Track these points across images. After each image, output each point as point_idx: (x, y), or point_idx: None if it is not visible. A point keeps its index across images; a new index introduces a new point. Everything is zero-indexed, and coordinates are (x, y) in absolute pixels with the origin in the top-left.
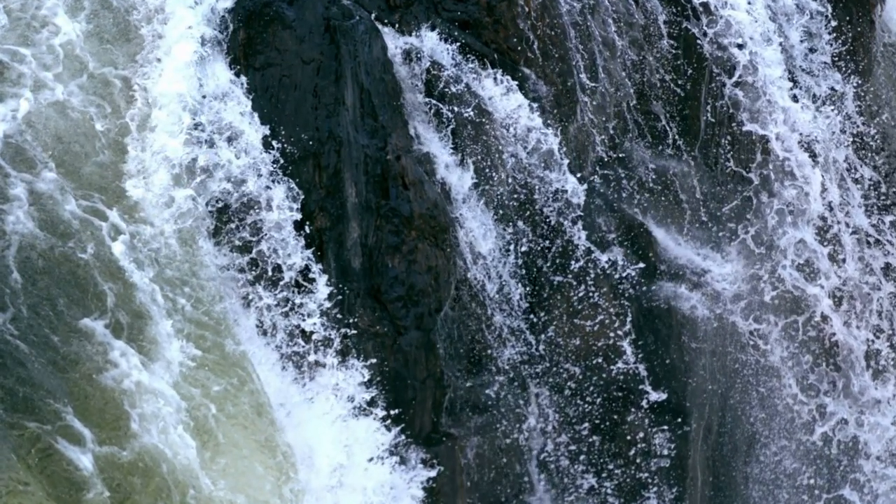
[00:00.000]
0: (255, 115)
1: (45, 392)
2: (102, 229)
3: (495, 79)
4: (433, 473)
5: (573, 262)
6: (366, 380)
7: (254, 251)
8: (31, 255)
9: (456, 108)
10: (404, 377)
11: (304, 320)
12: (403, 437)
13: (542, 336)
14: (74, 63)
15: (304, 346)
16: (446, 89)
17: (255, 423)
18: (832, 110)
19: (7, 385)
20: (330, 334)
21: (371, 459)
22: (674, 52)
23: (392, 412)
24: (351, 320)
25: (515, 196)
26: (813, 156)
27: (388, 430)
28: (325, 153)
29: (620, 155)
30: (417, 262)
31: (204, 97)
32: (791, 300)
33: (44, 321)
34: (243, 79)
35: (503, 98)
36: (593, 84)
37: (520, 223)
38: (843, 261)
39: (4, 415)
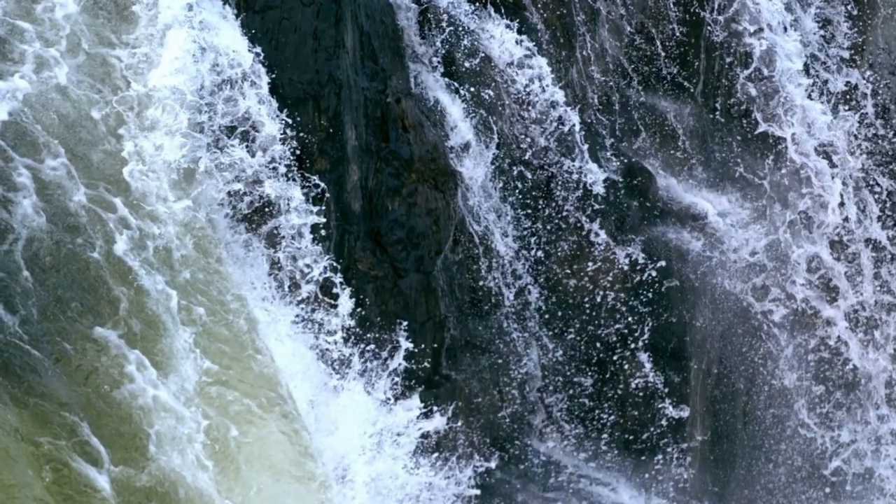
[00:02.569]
0: (274, 99)
1: (59, 404)
2: (110, 223)
3: (517, 41)
4: (493, 464)
5: (590, 264)
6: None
7: (271, 259)
8: (40, 251)
9: (472, 89)
10: (404, 320)
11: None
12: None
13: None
14: (73, 40)
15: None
16: (464, 64)
17: (285, 449)
18: (848, 111)
19: (17, 394)
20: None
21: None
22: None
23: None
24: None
25: (533, 186)
26: (832, 165)
27: (429, 416)
28: (324, 96)
29: (621, 99)
30: (417, 204)
31: (212, 85)
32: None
33: (54, 325)
34: (259, 49)
35: (524, 68)
36: (592, 26)
37: (536, 218)
38: (860, 281)
39: (20, 426)
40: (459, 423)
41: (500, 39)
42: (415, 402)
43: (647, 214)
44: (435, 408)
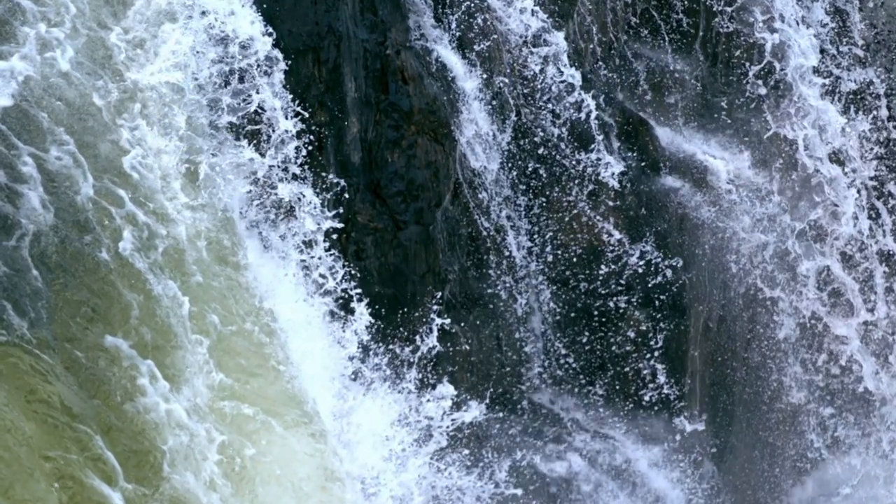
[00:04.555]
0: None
1: (70, 415)
2: (118, 219)
3: (533, 12)
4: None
5: (603, 266)
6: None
7: (287, 267)
8: (47, 248)
9: (485, 75)
10: (404, 272)
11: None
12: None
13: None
14: (76, 21)
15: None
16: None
17: (310, 473)
18: (859, 114)
19: (25, 402)
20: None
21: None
22: None
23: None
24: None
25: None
26: (844, 172)
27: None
28: (324, 48)
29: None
30: (417, 157)
31: (219, 79)
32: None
33: (63, 330)
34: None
35: (540, 46)
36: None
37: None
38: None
39: (32, 438)
40: (460, 376)
41: (517, 7)
42: (448, 391)
43: (649, 168)
44: (469, 396)
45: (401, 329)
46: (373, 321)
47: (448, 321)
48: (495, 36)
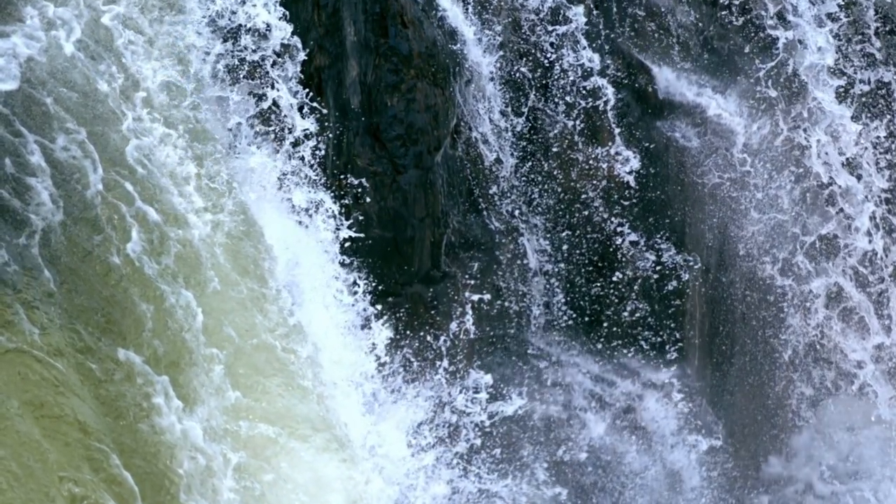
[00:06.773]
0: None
1: (84, 432)
2: (127, 219)
3: None
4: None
5: (616, 272)
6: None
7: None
8: (58, 248)
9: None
10: (403, 216)
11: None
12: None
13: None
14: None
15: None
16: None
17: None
18: (870, 118)
19: (37, 420)
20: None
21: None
22: None
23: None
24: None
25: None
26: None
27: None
28: None
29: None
30: (416, 101)
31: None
32: None
33: (75, 339)
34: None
35: (558, 24)
36: None
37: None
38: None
39: (49, 452)
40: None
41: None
42: (483, 381)
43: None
44: (506, 387)
45: (432, 314)
46: (394, 314)
47: (488, 297)
48: (509, 20)
